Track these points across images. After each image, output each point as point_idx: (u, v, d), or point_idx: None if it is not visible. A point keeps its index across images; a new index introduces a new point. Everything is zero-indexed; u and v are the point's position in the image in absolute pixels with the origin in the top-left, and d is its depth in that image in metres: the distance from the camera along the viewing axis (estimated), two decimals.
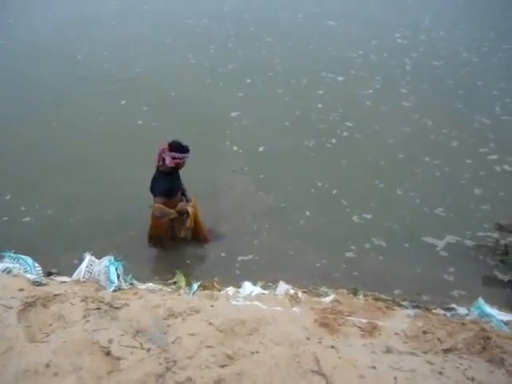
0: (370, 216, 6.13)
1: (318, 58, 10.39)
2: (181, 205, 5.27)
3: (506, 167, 6.92)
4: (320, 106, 8.54)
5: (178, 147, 4.99)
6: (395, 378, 2.90)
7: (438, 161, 7.08)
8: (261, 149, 7.43)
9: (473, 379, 2.94)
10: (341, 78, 9.50)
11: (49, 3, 13.98)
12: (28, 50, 10.81)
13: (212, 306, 3.67)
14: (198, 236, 5.74)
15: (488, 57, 10.38)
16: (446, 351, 3.28)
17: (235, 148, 7.49)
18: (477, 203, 6.29)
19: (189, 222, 5.43)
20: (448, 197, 6.40)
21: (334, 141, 7.61)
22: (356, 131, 7.83)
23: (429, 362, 3.11)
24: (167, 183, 5.06)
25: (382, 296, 4.80)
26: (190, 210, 5.37)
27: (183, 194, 5.50)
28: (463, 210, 6.19)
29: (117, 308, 3.56)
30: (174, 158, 4.99)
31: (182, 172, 5.38)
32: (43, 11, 13.33)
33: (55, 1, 14.25)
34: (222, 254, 5.64)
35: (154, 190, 5.11)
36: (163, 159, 5.03)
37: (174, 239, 5.59)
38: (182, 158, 5.03)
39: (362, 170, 6.98)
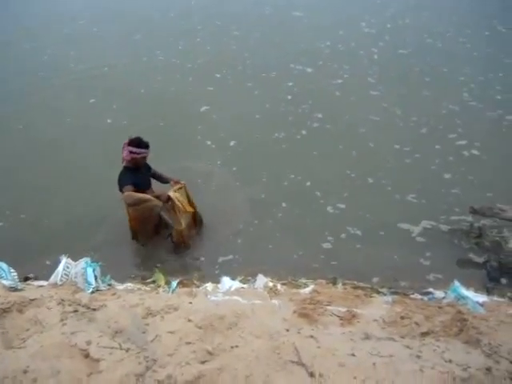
0: (343, 206, 6.17)
1: (287, 50, 10.46)
2: (160, 190, 5.26)
3: (475, 152, 7.03)
4: (290, 97, 8.58)
5: (136, 142, 5.03)
6: (374, 363, 2.92)
7: (408, 148, 7.17)
8: (232, 143, 7.45)
9: (450, 361, 2.98)
10: (309, 70, 9.55)
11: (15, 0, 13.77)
12: None
13: (190, 303, 3.66)
14: (195, 223, 5.72)
15: (451, 42, 10.58)
16: (424, 335, 3.33)
17: (208, 142, 7.49)
18: (447, 188, 6.38)
19: (182, 207, 5.28)
20: (419, 183, 6.48)
21: (304, 132, 7.65)
22: (326, 122, 7.88)
23: (407, 347, 3.15)
24: (131, 177, 5.06)
25: (361, 284, 4.84)
26: (172, 194, 5.22)
27: (161, 181, 5.57)
28: (434, 195, 6.27)
29: (94, 309, 3.52)
30: (130, 152, 5.01)
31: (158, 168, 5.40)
32: (9, 8, 13.11)
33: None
34: (201, 251, 5.62)
35: (119, 185, 5.12)
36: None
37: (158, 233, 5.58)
38: (140, 153, 5.06)
39: (333, 161, 7.03)
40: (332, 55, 10.18)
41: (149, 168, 5.48)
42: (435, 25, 11.47)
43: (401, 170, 6.77)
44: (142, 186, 5.21)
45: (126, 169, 5.17)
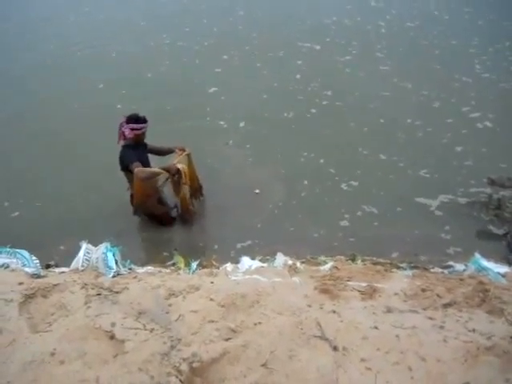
0: (356, 183, 6.14)
1: (294, 27, 10.42)
2: (168, 163, 5.26)
3: (488, 124, 6.94)
4: (298, 76, 8.52)
5: (134, 118, 5.07)
6: (397, 335, 2.93)
7: (420, 122, 7.10)
8: (242, 123, 7.43)
9: (474, 330, 2.97)
10: (318, 47, 9.48)
11: None
12: None
13: (212, 283, 3.68)
14: (196, 193, 5.75)
15: (457, 13, 10.53)
16: (446, 306, 3.31)
17: (219, 123, 7.51)
18: (460, 160, 6.34)
19: (184, 179, 5.30)
20: (431, 157, 6.44)
21: (314, 111, 7.61)
22: (336, 99, 7.83)
23: (429, 318, 3.14)
24: (135, 154, 5.10)
25: (380, 260, 4.82)
26: (180, 166, 5.25)
27: (163, 153, 5.59)
28: (448, 168, 6.24)
29: (117, 292, 3.56)
30: (132, 130, 5.04)
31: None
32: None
33: None
34: (220, 232, 5.64)
35: (125, 163, 5.14)
36: (123, 133, 5.09)
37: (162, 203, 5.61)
38: (141, 129, 5.10)
39: (344, 138, 6.99)
40: (339, 31, 10.13)
41: (145, 145, 5.46)
42: None
43: (413, 145, 6.72)
44: (144, 163, 5.25)
45: (126, 147, 5.21)
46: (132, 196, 5.48)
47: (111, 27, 11.19)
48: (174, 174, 5.26)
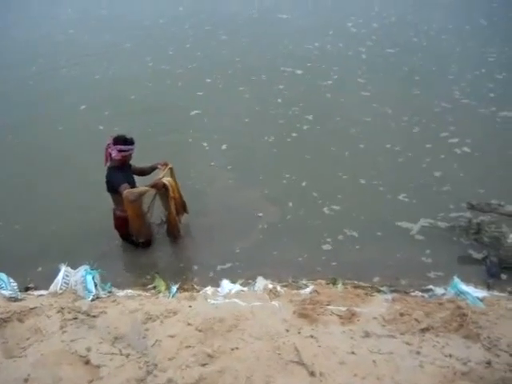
0: (338, 207, 6.15)
1: (276, 52, 10.55)
2: (153, 179, 5.26)
3: (466, 149, 7.04)
4: (280, 100, 8.61)
5: (122, 140, 5.06)
6: (374, 361, 2.94)
7: (399, 147, 7.17)
8: (224, 146, 7.45)
9: (450, 356, 2.99)
10: (299, 72, 9.61)
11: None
12: None
13: (190, 307, 3.67)
14: (179, 209, 5.70)
15: (436, 40, 10.74)
16: (424, 331, 3.33)
17: (202, 145, 7.54)
18: (438, 186, 6.38)
19: (172, 193, 5.32)
20: (411, 182, 6.47)
21: (294, 135, 7.65)
22: (317, 124, 7.88)
23: (406, 343, 3.15)
24: (123, 176, 5.09)
25: (361, 283, 4.83)
26: (165, 180, 5.27)
27: (146, 173, 5.59)
28: (426, 193, 6.26)
29: (94, 316, 3.53)
30: (120, 151, 5.03)
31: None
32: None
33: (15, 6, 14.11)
34: (201, 255, 5.61)
35: (113, 185, 5.11)
36: (110, 154, 5.09)
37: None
38: (128, 150, 5.09)
39: (325, 162, 7.02)
40: (321, 56, 10.27)
41: (129, 165, 5.46)
42: (419, 22, 11.67)
43: (392, 170, 6.76)
44: (132, 184, 5.22)
45: (113, 168, 5.17)
46: (117, 219, 5.42)
47: (95, 49, 11.25)
48: (161, 188, 5.26)
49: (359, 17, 12.07)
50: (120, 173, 5.15)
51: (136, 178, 5.52)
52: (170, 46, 11.12)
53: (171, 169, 5.48)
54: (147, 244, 5.58)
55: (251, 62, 10.10)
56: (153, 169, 5.58)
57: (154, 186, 5.19)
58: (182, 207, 5.79)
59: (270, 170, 6.91)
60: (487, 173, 6.49)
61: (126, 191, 4.94)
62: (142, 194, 5.09)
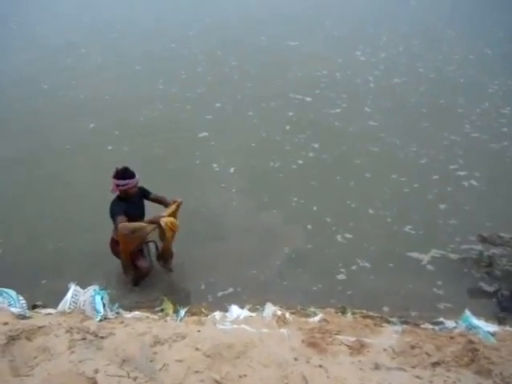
0: (351, 236, 6.18)
1: (286, 79, 10.71)
2: (155, 215, 5.16)
3: (473, 182, 7.06)
4: (288, 127, 8.69)
5: (120, 174, 5.01)
6: None
7: (406, 178, 7.22)
8: (232, 169, 7.52)
9: None
10: (308, 99, 9.70)
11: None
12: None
13: (199, 331, 3.64)
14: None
15: (443, 71, 10.85)
16: (434, 365, 3.28)
17: (212, 165, 7.64)
18: (445, 217, 6.42)
19: (168, 232, 5.16)
20: (416, 213, 6.51)
21: (300, 162, 7.73)
22: (323, 152, 7.96)
23: (417, 377, 3.10)
24: (123, 207, 5.03)
25: (371, 313, 4.78)
26: (163, 222, 5.06)
27: (164, 204, 5.45)
28: (434, 225, 6.31)
29: (102, 337, 3.51)
30: (117, 186, 5.00)
31: (164, 191, 5.43)
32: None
33: (25, 32, 14.41)
34: (211, 279, 5.60)
35: (111, 214, 5.08)
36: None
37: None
38: (125, 185, 5.00)
39: (332, 190, 7.08)
40: (330, 84, 10.41)
41: (144, 195, 5.40)
42: (426, 52, 11.85)
43: (398, 200, 6.79)
44: (134, 215, 5.12)
45: (117, 198, 5.16)
46: (113, 242, 5.39)
47: (107, 70, 11.47)
48: (158, 226, 5.16)
49: (367, 46, 12.27)
50: (122, 203, 5.09)
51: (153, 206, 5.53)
52: (182, 70, 11.30)
53: (179, 204, 5.39)
54: (134, 282, 5.51)
55: (261, 88, 10.22)
56: (167, 204, 5.44)
57: (152, 222, 5.08)
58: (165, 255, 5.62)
59: (279, 194, 6.99)
60: (494, 207, 6.52)
61: (121, 224, 4.89)
62: (135, 231, 4.95)
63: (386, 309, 5.03)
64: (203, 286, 5.53)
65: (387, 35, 12.98)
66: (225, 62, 11.67)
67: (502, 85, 10.00)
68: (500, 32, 12.94)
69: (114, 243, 5.35)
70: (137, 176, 5.07)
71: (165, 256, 5.54)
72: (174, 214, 5.30)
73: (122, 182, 4.99)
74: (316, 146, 8.08)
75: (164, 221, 5.08)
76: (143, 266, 5.32)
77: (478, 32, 13.04)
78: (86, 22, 14.86)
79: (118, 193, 5.11)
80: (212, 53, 12.27)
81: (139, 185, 5.25)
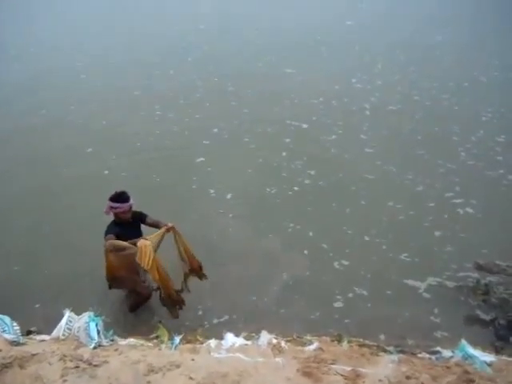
0: (347, 263, 6.18)
1: (283, 105, 10.79)
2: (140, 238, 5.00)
3: (469, 210, 7.10)
4: (284, 154, 8.73)
5: (114, 197, 5.05)
6: None
7: (401, 205, 7.24)
8: (229, 195, 7.55)
9: None
10: (305, 126, 9.78)
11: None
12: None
13: (193, 360, 3.62)
14: (195, 273, 5.47)
15: (437, 99, 10.93)
16: None
17: (208, 191, 7.68)
18: (441, 245, 6.43)
19: (139, 259, 4.80)
20: (412, 241, 6.52)
21: (296, 188, 7.77)
22: (319, 179, 8.00)
23: None
24: (115, 229, 5.04)
25: (367, 342, 4.75)
26: (141, 243, 4.77)
27: (159, 226, 5.28)
28: (429, 252, 6.31)
29: (96, 366, 3.49)
30: (111, 208, 5.04)
31: (161, 216, 5.40)
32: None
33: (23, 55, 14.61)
34: (206, 305, 5.58)
35: (104, 236, 5.07)
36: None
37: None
38: (118, 208, 5.03)
39: (327, 216, 7.10)
40: (326, 111, 10.48)
41: (141, 219, 5.35)
42: (421, 80, 11.95)
43: (394, 228, 6.81)
44: (127, 239, 5.00)
45: (113, 222, 5.19)
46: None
47: (105, 94, 11.57)
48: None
49: (364, 73, 12.40)
50: (115, 228, 5.09)
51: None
52: (180, 96, 11.40)
53: (175, 232, 5.20)
54: (133, 307, 5.43)
55: (258, 114, 10.31)
56: (161, 227, 5.26)
57: (133, 243, 4.89)
58: (197, 271, 5.49)
59: (275, 220, 7.01)
60: (490, 234, 6.53)
61: (108, 242, 4.88)
62: (119, 249, 4.85)
63: (382, 337, 5.01)
64: (199, 312, 5.51)
65: (383, 63, 13.14)
66: (222, 88, 11.77)
67: (495, 112, 10.09)
68: (495, 60, 13.12)
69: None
70: (131, 201, 5.09)
71: (166, 303, 5.22)
72: (160, 238, 5.13)
73: (114, 204, 5.03)
74: (312, 172, 8.13)
75: (140, 243, 4.82)
76: (143, 292, 5.29)
77: (473, 60, 13.19)
78: (86, 48, 15.03)
79: (111, 215, 5.14)
80: (210, 79, 12.39)
81: (138, 210, 5.27)
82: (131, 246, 4.89)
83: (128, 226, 5.18)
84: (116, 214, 5.10)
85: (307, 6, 18.58)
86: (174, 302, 5.20)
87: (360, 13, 17.57)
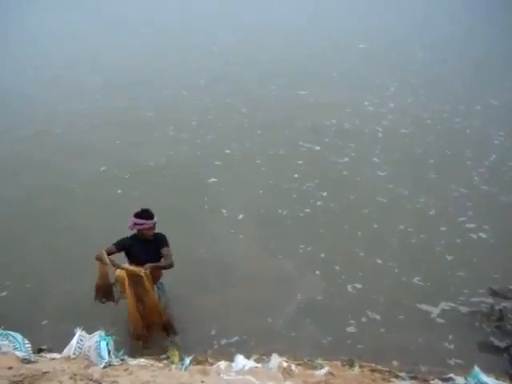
0: (360, 286, 6.15)
1: (295, 127, 10.82)
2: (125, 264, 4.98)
3: (482, 234, 7.04)
4: (296, 175, 8.74)
5: (138, 213, 5.07)
6: None
7: (413, 228, 7.21)
8: (240, 216, 7.59)
9: None
10: (317, 148, 9.79)
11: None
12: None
13: (202, 382, 3.61)
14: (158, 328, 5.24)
15: (449, 123, 10.90)
16: None
17: (221, 211, 7.71)
18: (453, 269, 6.37)
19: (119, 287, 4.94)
20: (424, 264, 6.48)
21: (307, 210, 7.77)
22: (331, 201, 8.00)
23: None
24: (128, 243, 5.06)
25: (379, 367, 4.70)
26: (119, 270, 4.84)
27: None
28: (442, 277, 6.26)
29: None
30: (135, 224, 5.05)
31: (172, 235, 5.39)
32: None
33: (41, 76, 14.85)
34: (218, 327, 5.56)
35: None
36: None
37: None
38: (142, 224, 5.03)
39: (339, 238, 7.09)
40: (338, 133, 10.49)
41: (161, 245, 5.19)
42: (433, 103, 11.92)
43: (406, 251, 6.78)
44: (138, 255, 5.05)
45: (133, 235, 5.19)
46: None
47: (120, 115, 11.68)
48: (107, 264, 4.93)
49: (376, 96, 12.43)
50: (129, 240, 5.12)
51: None
52: (192, 117, 11.47)
53: (141, 277, 4.85)
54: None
55: (270, 136, 10.35)
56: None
57: (114, 264, 4.90)
58: (161, 327, 5.22)
59: (287, 241, 7.02)
60: (503, 260, 6.46)
61: (101, 251, 4.88)
62: (101, 260, 4.85)
63: (395, 363, 4.95)
64: (211, 333, 5.49)
65: (395, 86, 13.17)
66: (234, 110, 11.85)
67: (507, 136, 10.05)
68: (506, 83, 13.10)
69: None
70: (155, 219, 5.11)
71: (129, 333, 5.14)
72: (132, 274, 4.88)
73: (139, 221, 5.05)
74: (324, 194, 8.14)
75: (121, 267, 4.87)
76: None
77: (484, 83, 13.17)
78: (99, 69, 15.27)
79: (135, 231, 5.15)
80: (222, 101, 12.49)
81: (162, 233, 5.28)
82: (109, 262, 4.86)
83: (146, 243, 5.17)
84: (139, 230, 5.12)
85: (319, 30, 18.73)
86: (137, 336, 5.06)
87: (372, 36, 17.67)
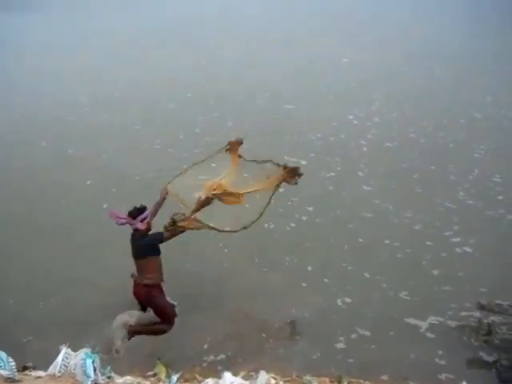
0: (350, 300, 6.14)
1: (281, 141, 10.87)
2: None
3: (467, 249, 7.08)
4: (281, 190, 8.70)
5: (137, 210, 5.27)
6: None
7: (399, 243, 7.23)
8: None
9: None
10: (303, 162, 9.74)
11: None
12: None
13: None
14: None
15: (433, 137, 10.98)
16: None
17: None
18: (439, 283, 6.39)
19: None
20: (411, 279, 6.49)
21: (293, 225, 7.78)
22: (316, 216, 8.01)
23: None
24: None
25: (367, 383, 4.67)
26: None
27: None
28: (428, 291, 6.26)
29: None
30: (143, 221, 5.18)
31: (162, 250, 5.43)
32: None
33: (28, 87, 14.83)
34: (206, 342, 5.53)
35: (153, 244, 5.33)
36: (137, 229, 5.21)
37: None
38: (147, 216, 5.25)
39: (326, 252, 7.10)
40: (324, 147, 10.56)
41: (153, 245, 5.39)
42: (417, 118, 12.03)
43: (392, 266, 6.79)
44: (133, 250, 5.28)
45: (143, 234, 5.28)
46: (136, 285, 5.28)
47: (106, 128, 11.69)
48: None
49: (361, 110, 12.54)
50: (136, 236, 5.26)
51: None
52: (180, 131, 11.48)
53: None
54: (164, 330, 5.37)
55: (256, 150, 10.23)
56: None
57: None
58: None
59: (274, 255, 7.05)
60: (489, 274, 6.50)
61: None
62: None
63: (384, 378, 4.92)
64: (198, 349, 5.44)
65: (380, 100, 13.27)
66: (221, 124, 11.86)
67: (487, 150, 10.17)
68: (488, 96, 13.28)
69: (142, 289, 5.25)
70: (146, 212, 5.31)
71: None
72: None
73: (145, 214, 5.29)
74: (310, 209, 8.16)
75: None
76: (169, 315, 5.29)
77: (467, 97, 13.33)
78: (89, 82, 15.24)
79: (145, 229, 5.27)
80: (209, 114, 12.52)
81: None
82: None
83: (137, 238, 5.23)
84: (148, 225, 5.29)
85: (304, 45, 18.87)
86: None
87: (356, 50, 17.85)
